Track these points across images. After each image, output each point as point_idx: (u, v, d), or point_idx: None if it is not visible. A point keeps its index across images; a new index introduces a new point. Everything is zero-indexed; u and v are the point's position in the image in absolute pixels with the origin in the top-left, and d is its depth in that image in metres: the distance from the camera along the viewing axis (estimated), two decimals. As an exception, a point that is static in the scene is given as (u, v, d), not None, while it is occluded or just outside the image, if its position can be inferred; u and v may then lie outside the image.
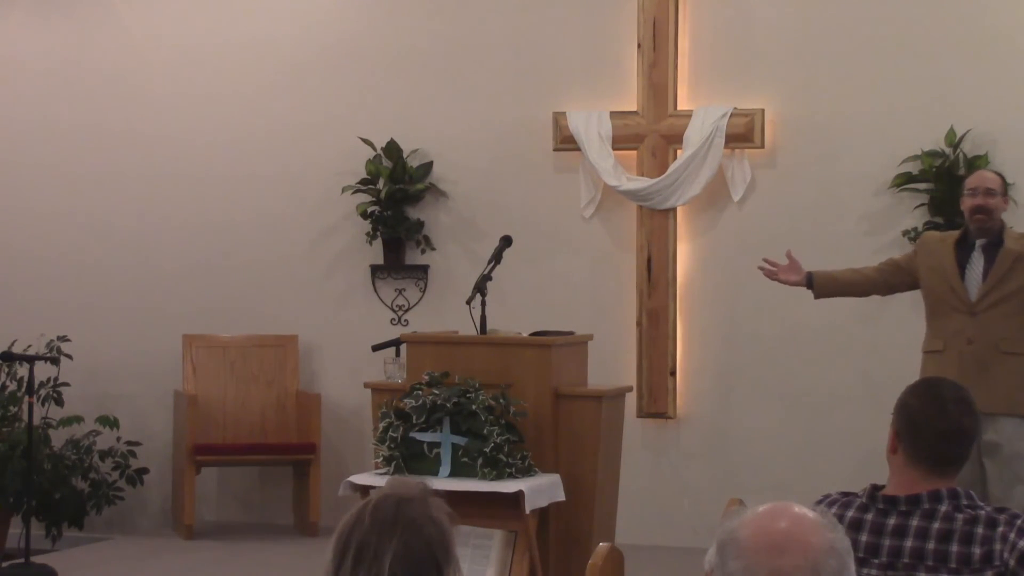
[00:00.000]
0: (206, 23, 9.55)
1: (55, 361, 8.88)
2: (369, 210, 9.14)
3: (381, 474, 6.59)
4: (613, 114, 8.78)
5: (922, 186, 8.32)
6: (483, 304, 7.06)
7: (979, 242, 6.68)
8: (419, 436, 6.64)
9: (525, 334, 7.10)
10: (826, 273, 6.97)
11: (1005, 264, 6.62)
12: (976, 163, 8.22)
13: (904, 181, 8.33)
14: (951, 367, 6.46)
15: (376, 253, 9.26)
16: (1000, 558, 3.29)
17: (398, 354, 7.30)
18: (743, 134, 8.58)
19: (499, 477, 6.49)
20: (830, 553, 2.27)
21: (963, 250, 6.70)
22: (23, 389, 8.57)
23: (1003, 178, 6.89)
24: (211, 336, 9.35)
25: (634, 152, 8.80)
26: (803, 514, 2.31)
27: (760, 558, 2.26)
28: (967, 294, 6.64)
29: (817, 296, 6.99)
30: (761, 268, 7.01)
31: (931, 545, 3.34)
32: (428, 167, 9.17)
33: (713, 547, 2.32)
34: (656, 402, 8.72)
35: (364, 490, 6.32)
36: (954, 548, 3.32)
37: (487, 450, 6.49)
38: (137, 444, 9.20)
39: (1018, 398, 6.50)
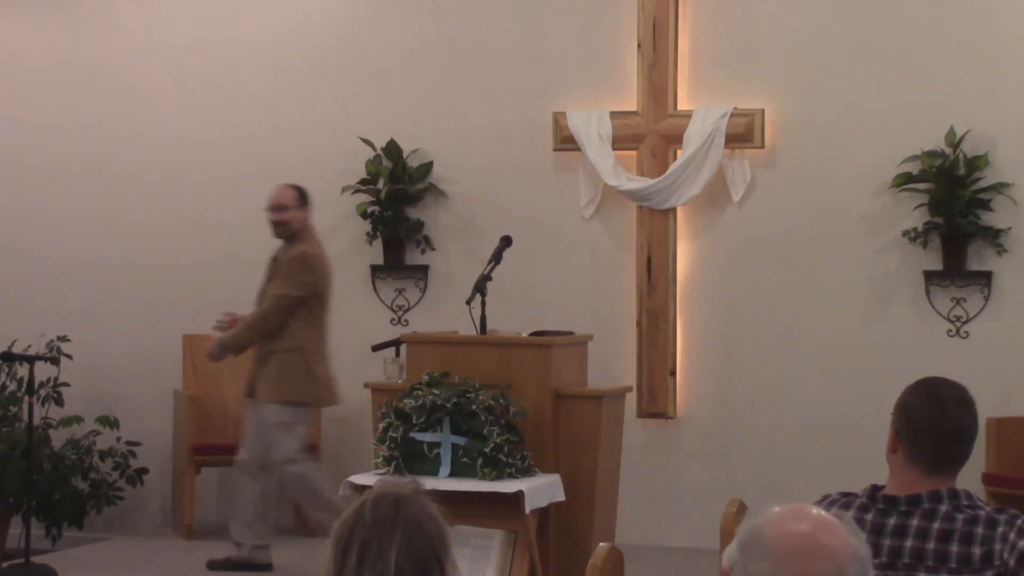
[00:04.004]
0: (206, 23, 9.54)
1: (55, 361, 8.87)
2: (369, 210, 9.14)
3: (381, 474, 6.59)
4: (613, 114, 8.77)
5: (922, 186, 8.31)
6: (483, 304, 7.06)
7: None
8: (419, 436, 6.65)
9: (525, 334, 7.11)
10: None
11: (264, 277, 8.10)
12: (976, 163, 8.22)
13: (904, 181, 8.33)
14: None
15: (376, 253, 9.26)
16: (1000, 558, 3.29)
17: (398, 354, 7.30)
18: (743, 134, 8.58)
19: (499, 477, 6.49)
20: (855, 559, 2.31)
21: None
22: (23, 389, 8.55)
23: (299, 190, 8.08)
24: (211, 336, 9.32)
25: (634, 152, 8.79)
26: (826, 518, 2.35)
27: (788, 562, 2.28)
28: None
29: (237, 353, 8.15)
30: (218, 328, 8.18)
31: (931, 545, 3.34)
32: (428, 167, 9.17)
33: (733, 544, 2.33)
34: (656, 402, 8.72)
35: (364, 490, 6.31)
36: (954, 548, 3.32)
37: (487, 450, 6.49)
38: (137, 444, 9.18)
39: (280, 387, 7.92)
